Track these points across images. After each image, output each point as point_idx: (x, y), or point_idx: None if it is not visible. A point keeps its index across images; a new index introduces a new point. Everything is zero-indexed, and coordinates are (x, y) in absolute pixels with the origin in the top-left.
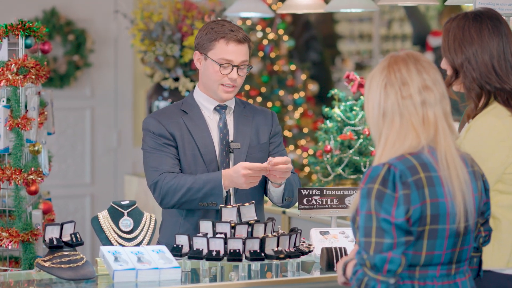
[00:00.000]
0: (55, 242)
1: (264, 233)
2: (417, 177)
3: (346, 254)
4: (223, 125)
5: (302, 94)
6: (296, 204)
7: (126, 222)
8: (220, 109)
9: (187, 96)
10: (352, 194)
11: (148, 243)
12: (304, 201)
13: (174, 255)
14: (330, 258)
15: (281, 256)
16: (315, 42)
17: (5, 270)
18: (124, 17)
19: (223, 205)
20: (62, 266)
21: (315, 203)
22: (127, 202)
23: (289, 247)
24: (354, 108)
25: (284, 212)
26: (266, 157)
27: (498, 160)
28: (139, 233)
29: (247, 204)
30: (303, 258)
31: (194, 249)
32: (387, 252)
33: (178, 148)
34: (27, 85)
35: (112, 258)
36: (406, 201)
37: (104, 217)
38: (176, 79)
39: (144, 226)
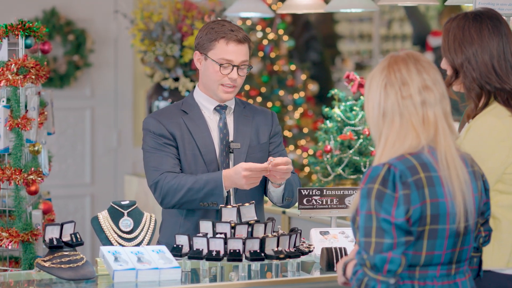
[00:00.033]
0: (55, 242)
1: (264, 233)
2: (417, 177)
3: (346, 254)
4: (223, 125)
5: (302, 94)
6: (296, 204)
7: (126, 222)
8: (220, 109)
9: (187, 96)
10: (352, 194)
11: (148, 243)
12: (304, 201)
13: (174, 255)
14: (330, 258)
15: (281, 256)
16: (315, 42)
17: (5, 270)
18: (124, 17)
19: (223, 205)
20: (62, 266)
21: (315, 203)
22: (127, 202)
23: (289, 247)
24: (354, 108)
25: (284, 212)
26: (266, 157)
27: (498, 160)
28: (139, 233)
29: (247, 204)
30: (303, 258)
31: (194, 249)
32: (387, 252)
33: (178, 148)
34: (27, 85)
35: (112, 258)
36: (406, 201)
37: (104, 217)
38: (176, 79)
39: (144, 226)
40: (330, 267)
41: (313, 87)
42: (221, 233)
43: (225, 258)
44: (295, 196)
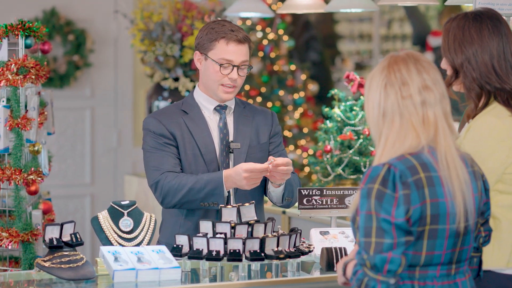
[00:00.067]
0: (55, 242)
1: (264, 233)
2: (417, 177)
3: (346, 254)
4: (223, 125)
5: (302, 94)
6: (296, 204)
7: (126, 222)
8: (220, 109)
9: (187, 96)
10: (352, 194)
11: (148, 243)
12: (304, 201)
13: (174, 255)
14: (330, 258)
15: (281, 256)
16: (315, 42)
17: (5, 270)
18: (124, 17)
19: (223, 205)
20: (62, 266)
21: (315, 203)
22: (127, 202)
23: (289, 247)
24: (354, 108)
25: (284, 212)
26: (266, 157)
27: (498, 160)
28: (139, 233)
29: (247, 204)
30: (303, 258)
31: (194, 249)
32: (387, 252)
33: (178, 148)
34: (27, 85)
35: (112, 258)
36: (406, 201)
37: (104, 217)
38: (176, 79)
39: (144, 226)
40: (330, 267)
41: (313, 87)
42: (221, 233)
43: (225, 258)
44: (295, 196)
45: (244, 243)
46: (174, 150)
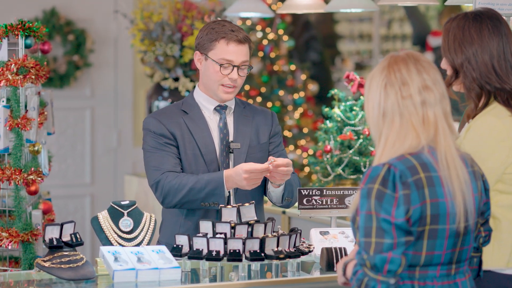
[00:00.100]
0: (55, 242)
1: (264, 233)
2: (417, 177)
3: (346, 254)
4: (223, 125)
5: (302, 94)
6: (296, 204)
7: (126, 222)
8: (220, 109)
9: (187, 96)
10: (352, 194)
11: (148, 243)
12: (304, 201)
13: (174, 255)
14: (330, 258)
15: (281, 256)
16: (315, 42)
17: (5, 270)
18: (124, 17)
19: (223, 205)
20: (62, 266)
21: (315, 203)
22: (127, 202)
23: (289, 247)
24: (354, 108)
25: (284, 212)
26: (266, 157)
27: (498, 160)
28: (139, 233)
29: (247, 204)
30: (303, 258)
31: (194, 249)
32: (387, 252)
33: (179, 148)
34: (27, 85)
35: (112, 258)
36: (406, 201)
37: (104, 217)
38: (176, 79)
39: (144, 226)
40: (330, 267)
41: (313, 87)
42: (221, 233)
43: (225, 258)
44: (294, 196)
45: (244, 243)
46: (175, 150)
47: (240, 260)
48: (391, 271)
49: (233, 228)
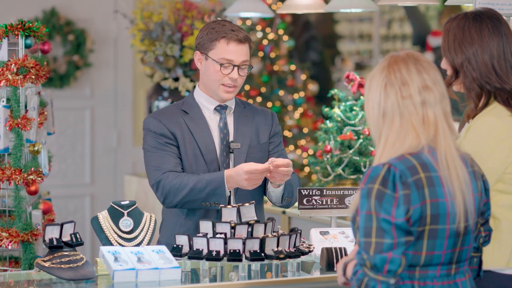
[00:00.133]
0: (55, 242)
1: (264, 233)
2: (417, 177)
3: (346, 254)
4: (223, 125)
5: (302, 94)
6: (296, 204)
7: (126, 222)
8: (221, 109)
9: (187, 96)
10: (352, 194)
11: (148, 243)
12: (304, 201)
13: (174, 255)
14: (330, 258)
15: (281, 256)
16: (315, 42)
17: (5, 270)
18: (124, 17)
19: (223, 205)
20: (62, 266)
21: (315, 203)
22: (127, 202)
23: (289, 247)
24: (354, 108)
25: (284, 212)
26: (266, 157)
27: (498, 160)
28: (139, 233)
29: (247, 204)
30: (303, 258)
31: (194, 249)
32: (387, 252)
33: (179, 148)
34: (27, 85)
35: (112, 258)
36: (406, 201)
37: (104, 217)
38: (176, 79)
39: (144, 226)
40: (330, 267)
41: (313, 87)
42: (221, 233)
43: (225, 258)
44: (294, 196)
45: (244, 243)
46: (175, 149)
47: (240, 260)
48: (391, 271)
49: (233, 228)
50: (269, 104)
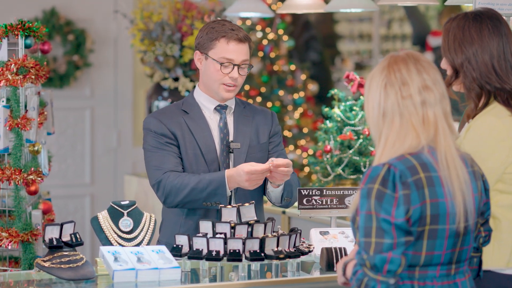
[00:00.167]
0: (55, 242)
1: (264, 233)
2: (417, 177)
3: (346, 254)
4: (223, 125)
5: (302, 94)
6: (296, 204)
7: (126, 222)
8: (221, 109)
9: (187, 96)
10: (352, 194)
11: (148, 243)
12: (304, 201)
13: (174, 255)
14: (330, 258)
15: (281, 256)
16: (315, 42)
17: (5, 270)
18: (124, 17)
19: (223, 205)
20: (62, 266)
21: (315, 203)
22: (127, 202)
23: (289, 247)
24: (354, 108)
25: (284, 212)
26: (266, 157)
27: (498, 160)
28: (139, 233)
29: (247, 204)
30: (303, 258)
31: (194, 249)
32: (387, 252)
33: (179, 147)
34: (27, 85)
35: (112, 258)
36: (406, 201)
37: (104, 217)
38: (176, 79)
39: (144, 226)
40: (330, 267)
41: (313, 87)
42: (221, 233)
43: (225, 258)
44: (294, 196)
45: (244, 243)
46: (176, 149)
47: (240, 260)
48: (391, 271)
49: (233, 228)
50: (269, 104)
